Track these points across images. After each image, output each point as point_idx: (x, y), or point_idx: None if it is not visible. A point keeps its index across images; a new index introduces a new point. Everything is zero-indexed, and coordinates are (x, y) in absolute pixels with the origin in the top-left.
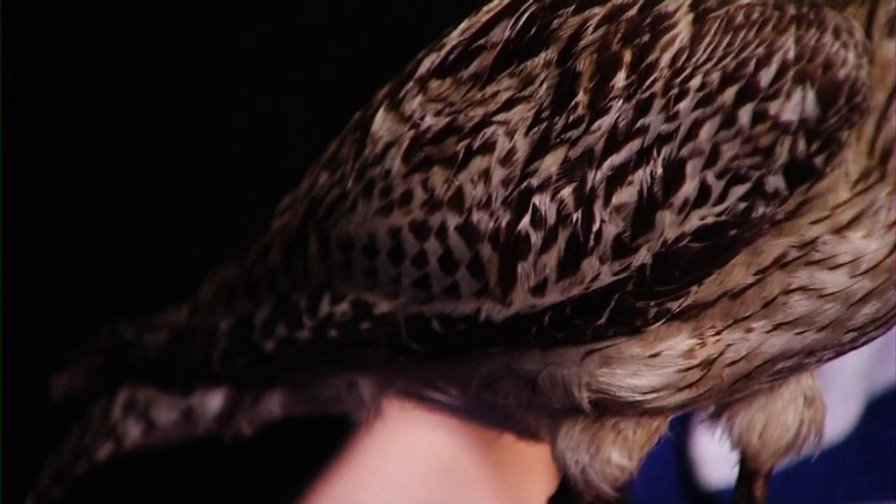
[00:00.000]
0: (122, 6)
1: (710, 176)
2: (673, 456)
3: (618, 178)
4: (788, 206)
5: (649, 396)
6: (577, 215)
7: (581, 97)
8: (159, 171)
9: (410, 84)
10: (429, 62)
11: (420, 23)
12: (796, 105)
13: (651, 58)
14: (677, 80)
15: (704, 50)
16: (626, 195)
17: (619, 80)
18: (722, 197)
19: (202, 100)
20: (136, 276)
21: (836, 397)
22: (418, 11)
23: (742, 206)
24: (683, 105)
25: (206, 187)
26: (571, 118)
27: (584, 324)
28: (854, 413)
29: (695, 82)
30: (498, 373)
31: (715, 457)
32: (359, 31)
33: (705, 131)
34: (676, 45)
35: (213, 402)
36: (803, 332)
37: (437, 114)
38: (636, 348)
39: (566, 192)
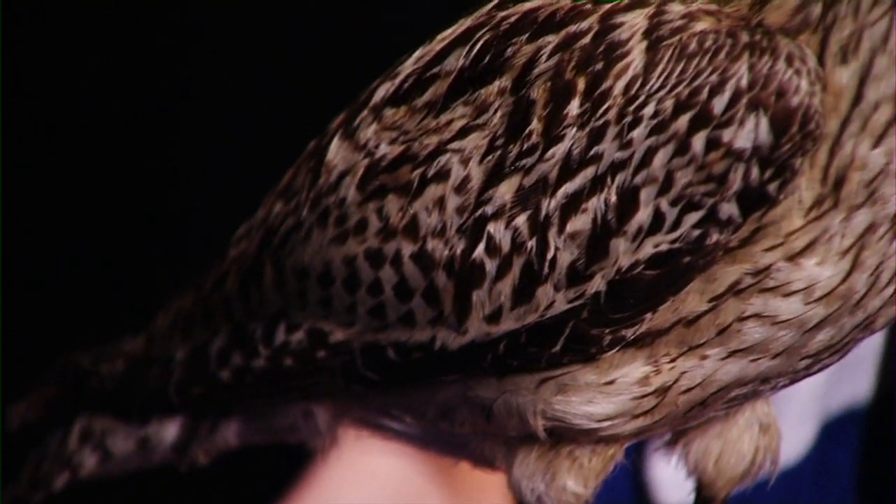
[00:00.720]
0: (120, 8)
1: (663, 203)
2: (629, 482)
3: (572, 205)
4: (742, 233)
5: (604, 424)
6: (531, 243)
7: (535, 125)
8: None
9: (365, 112)
10: (383, 90)
11: (407, 32)
12: (749, 132)
13: (605, 86)
14: (631, 108)
15: (658, 77)
16: (580, 223)
17: (573, 107)
18: (676, 224)
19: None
20: (130, 282)
21: (792, 420)
22: (409, 18)
23: (696, 233)
24: (637, 133)
25: (201, 188)
26: (526, 146)
27: (539, 351)
28: (810, 436)
29: (648, 110)
30: (453, 401)
31: (671, 481)
32: (347, 36)
33: (659, 159)
34: (630, 73)
35: (170, 431)
36: (758, 359)
37: (392, 142)
38: (591, 376)
39: (521, 220)
